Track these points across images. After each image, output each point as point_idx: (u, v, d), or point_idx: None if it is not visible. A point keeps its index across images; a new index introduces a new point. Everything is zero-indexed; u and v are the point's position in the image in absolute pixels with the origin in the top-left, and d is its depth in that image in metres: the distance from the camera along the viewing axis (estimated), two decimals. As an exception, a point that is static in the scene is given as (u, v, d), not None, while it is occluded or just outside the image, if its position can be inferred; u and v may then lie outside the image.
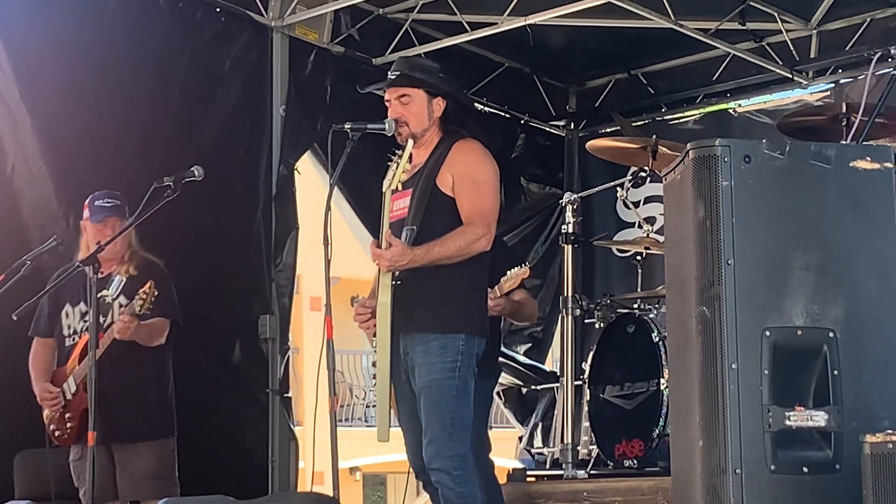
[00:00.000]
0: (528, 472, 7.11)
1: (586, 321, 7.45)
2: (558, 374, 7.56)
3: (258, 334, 8.24)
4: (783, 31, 9.10)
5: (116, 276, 6.39)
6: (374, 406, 21.62)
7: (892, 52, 5.42)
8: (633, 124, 9.12)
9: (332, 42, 8.86)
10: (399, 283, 5.31)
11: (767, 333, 4.24)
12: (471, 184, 5.41)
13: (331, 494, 5.46)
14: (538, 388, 8.94)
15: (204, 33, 8.17)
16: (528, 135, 10.25)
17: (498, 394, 8.70)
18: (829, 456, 4.22)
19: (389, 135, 5.67)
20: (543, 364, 9.83)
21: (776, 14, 9.00)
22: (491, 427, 6.66)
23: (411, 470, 5.60)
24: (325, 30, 8.79)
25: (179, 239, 7.14)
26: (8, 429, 6.92)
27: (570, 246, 6.83)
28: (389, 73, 5.60)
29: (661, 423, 6.43)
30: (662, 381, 6.47)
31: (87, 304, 6.31)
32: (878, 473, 3.97)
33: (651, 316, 6.76)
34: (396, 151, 5.40)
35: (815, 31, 9.18)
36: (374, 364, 5.46)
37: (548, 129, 10.40)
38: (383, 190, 5.41)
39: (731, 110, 9.90)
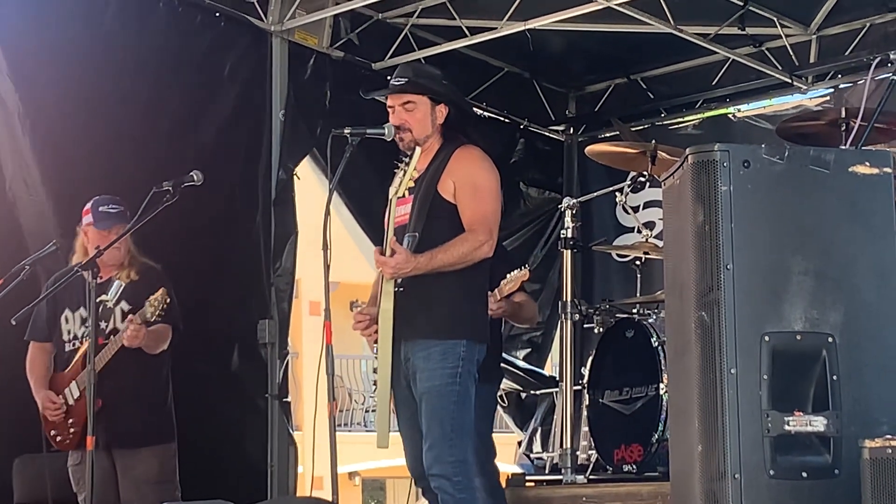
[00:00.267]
0: (528, 477, 7.10)
1: (585, 326, 7.44)
2: (557, 378, 7.55)
3: (257, 339, 8.24)
4: (783, 35, 9.10)
5: (116, 280, 6.40)
6: (373, 411, 21.60)
7: (892, 56, 5.43)
8: (633, 129, 9.10)
9: (332, 47, 8.86)
10: (401, 289, 5.32)
11: (766, 338, 4.24)
12: (472, 190, 5.43)
13: (330, 499, 5.46)
14: (537, 392, 8.95)
15: (203, 38, 8.17)
16: (528, 139, 10.25)
17: (500, 397, 8.70)
18: (828, 461, 4.22)
19: (389, 139, 5.68)
20: (542, 369, 9.84)
21: (776, 19, 9.00)
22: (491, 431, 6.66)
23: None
24: (324, 35, 8.79)
25: (178, 243, 7.14)
26: (6, 433, 6.92)
27: (569, 251, 6.82)
28: (393, 79, 5.61)
29: (661, 428, 6.42)
30: (661, 386, 6.46)
31: (88, 310, 6.31)
32: (877, 478, 3.97)
33: (650, 321, 6.75)
34: (403, 158, 5.41)
35: (814, 36, 9.18)
36: (374, 370, 5.47)
37: (547, 133, 10.40)
38: (389, 197, 5.42)
39: (730, 115, 9.89)
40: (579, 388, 7.04)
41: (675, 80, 9.90)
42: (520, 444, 9.11)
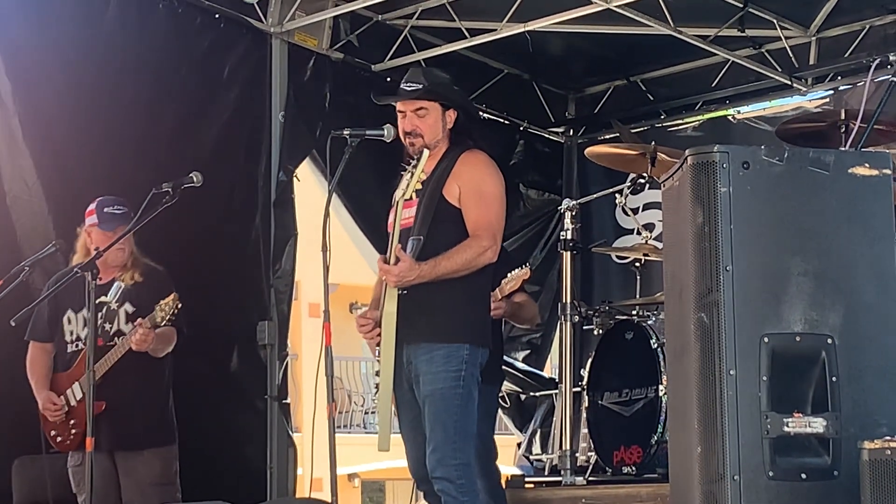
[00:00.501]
0: (527, 479, 7.10)
1: (585, 328, 7.45)
2: (557, 380, 7.56)
3: (256, 340, 8.23)
4: (782, 37, 9.10)
5: (116, 282, 6.41)
6: (373, 412, 21.62)
7: (891, 58, 5.42)
8: (632, 131, 9.11)
9: (332, 48, 8.86)
10: (405, 292, 5.33)
11: (766, 340, 4.24)
12: (477, 196, 5.44)
13: (329, 501, 5.46)
14: (537, 394, 8.94)
15: (203, 40, 8.16)
16: (527, 141, 10.25)
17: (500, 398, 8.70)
18: (827, 462, 4.22)
19: (388, 141, 5.69)
20: (542, 371, 9.84)
21: (775, 21, 9.00)
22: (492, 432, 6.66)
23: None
24: (324, 36, 8.79)
25: (178, 245, 7.14)
26: (5, 435, 6.91)
27: (568, 252, 6.82)
28: (405, 83, 5.61)
29: (660, 429, 6.42)
30: (661, 387, 6.46)
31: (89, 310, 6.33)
32: (876, 480, 3.97)
33: (650, 322, 6.76)
34: (410, 160, 5.42)
35: (814, 38, 9.18)
36: (377, 373, 5.48)
37: (547, 135, 10.40)
38: (396, 199, 5.43)
39: (729, 117, 9.90)
40: (579, 389, 7.04)
41: (675, 82, 9.90)
42: (519, 445, 9.10)
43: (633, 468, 6.55)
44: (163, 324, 6.21)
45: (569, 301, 6.81)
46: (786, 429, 4.20)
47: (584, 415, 6.98)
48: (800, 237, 4.32)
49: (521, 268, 6.30)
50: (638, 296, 7.24)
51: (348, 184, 8.36)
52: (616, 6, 8.20)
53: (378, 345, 5.43)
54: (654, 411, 6.50)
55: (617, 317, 7.09)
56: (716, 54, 9.27)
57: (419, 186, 5.36)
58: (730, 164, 4.31)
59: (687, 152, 4.42)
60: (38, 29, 7.38)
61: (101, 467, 6.27)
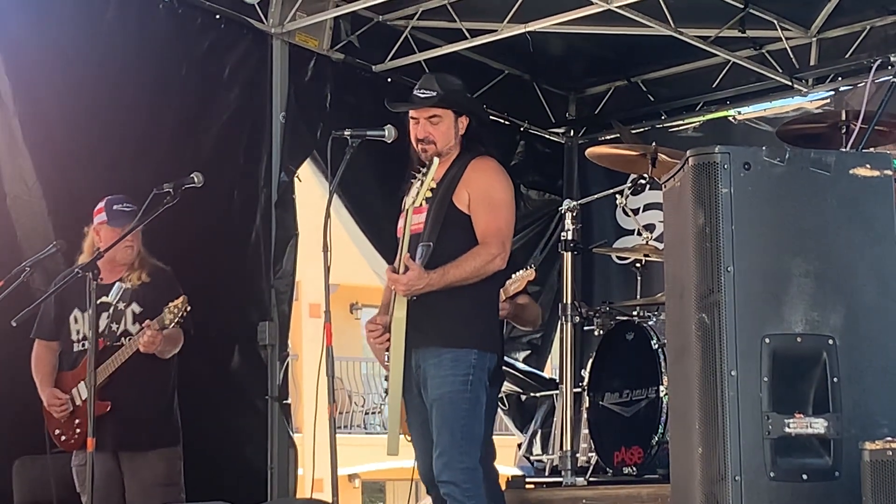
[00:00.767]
0: (527, 480, 7.10)
1: (585, 328, 7.44)
2: (557, 381, 7.55)
3: (257, 341, 8.24)
4: (783, 38, 9.10)
5: (117, 282, 6.42)
6: (373, 413, 21.63)
7: (892, 59, 5.41)
8: (633, 131, 9.11)
9: (332, 49, 8.86)
10: (414, 298, 5.34)
11: (767, 340, 4.24)
12: (486, 202, 5.46)
13: (330, 501, 5.46)
14: (537, 395, 8.93)
15: (203, 40, 8.17)
16: (528, 142, 10.25)
17: (500, 400, 8.70)
18: (828, 463, 4.22)
19: (389, 142, 5.69)
20: (542, 371, 9.83)
21: (776, 22, 9.01)
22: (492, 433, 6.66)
23: (413, 479, 5.60)
24: (324, 37, 8.79)
25: (178, 245, 7.13)
26: (6, 435, 6.91)
27: (569, 253, 6.82)
28: (418, 90, 5.60)
29: (661, 430, 6.42)
30: (662, 388, 6.45)
31: (98, 310, 6.35)
32: (877, 481, 3.97)
33: (650, 323, 6.75)
34: (420, 168, 5.43)
35: (814, 39, 9.18)
36: (386, 378, 5.49)
37: (547, 136, 10.40)
38: (406, 206, 5.44)
39: (730, 118, 9.90)
40: (579, 390, 7.04)
41: (676, 83, 9.91)
42: (519, 446, 9.09)
43: (634, 469, 6.54)
44: (171, 326, 6.22)
45: (569, 301, 6.80)
46: (787, 429, 4.20)
47: (584, 415, 6.98)
48: (801, 238, 4.31)
49: (526, 269, 6.31)
50: (638, 296, 7.24)
51: (349, 184, 8.37)
52: (617, 7, 8.20)
53: (387, 350, 5.44)
54: (655, 412, 6.50)
55: (617, 317, 7.08)
56: (716, 55, 9.28)
57: (429, 194, 5.37)
58: (731, 165, 4.30)
59: (688, 153, 4.42)
60: (38, 29, 7.38)
61: (105, 467, 6.29)
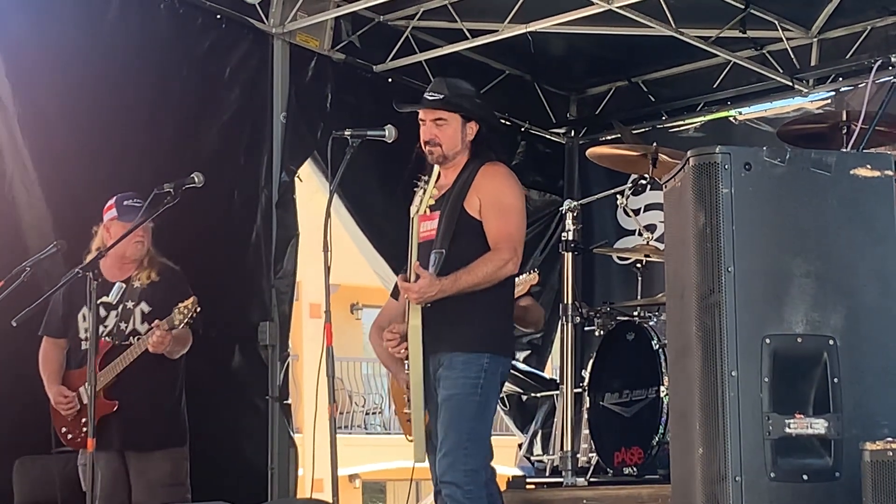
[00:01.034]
0: (528, 480, 7.10)
1: (586, 329, 7.44)
2: (558, 381, 7.55)
3: (258, 341, 8.24)
4: (784, 39, 9.10)
5: (117, 283, 6.42)
6: (373, 413, 21.63)
7: (893, 60, 5.42)
8: (634, 132, 9.11)
9: (333, 49, 8.86)
10: (429, 305, 5.37)
11: (767, 341, 4.23)
12: (497, 208, 5.47)
13: (330, 502, 5.46)
14: (538, 395, 8.94)
15: (204, 40, 8.16)
16: (529, 142, 10.25)
17: (501, 400, 8.70)
18: (829, 464, 4.21)
19: (389, 142, 5.70)
20: (543, 371, 9.83)
21: (777, 22, 9.00)
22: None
23: (413, 479, 5.62)
24: (325, 37, 8.79)
25: (179, 245, 7.13)
26: (7, 435, 6.91)
27: (570, 253, 6.83)
28: (427, 93, 5.63)
29: (661, 430, 6.42)
30: (662, 388, 6.45)
31: (106, 309, 6.36)
32: (878, 481, 3.96)
33: (651, 323, 6.75)
34: (422, 177, 5.46)
35: (815, 40, 9.18)
36: (407, 386, 5.54)
37: (548, 136, 10.40)
38: (411, 215, 5.46)
39: (731, 118, 9.89)
40: (580, 390, 7.04)
41: (677, 83, 9.90)
42: (520, 446, 9.11)
43: (635, 469, 6.54)
44: (180, 326, 6.23)
45: (570, 302, 6.81)
46: (787, 430, 4.20)
47: (585, 416, 6.98)
48: (801, 238, 4.31)
49: (529, 273, 6.32)
50: (639, 297, 7.24)
51: (349, 184, 8.35)
52: (617, 7, 8.20)
53: (406, 358, 5.47)
54: (656, 412, 6.50)
55: (618, 318, 7.09)
56: (717, 55, 9.27)
57: (432, 202, 5.38)
58: (731, 166, 4.30)
59: (689, 153, 4.42)
60: (39, 29, 7.38)
61: (111, 467, 6.31)
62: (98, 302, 6.04)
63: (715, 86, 9.66)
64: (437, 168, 5.40)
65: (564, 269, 6.86)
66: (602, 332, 7.06)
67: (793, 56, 9.17)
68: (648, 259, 7.22)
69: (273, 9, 8.47)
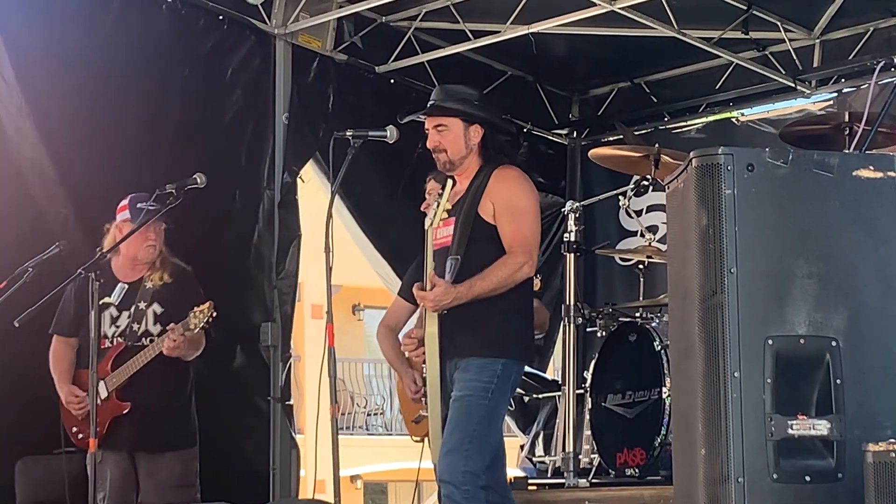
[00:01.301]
0: (530, 481, 7.11)
1: (588, 330, 7.44)
2: (560, 382, 7.55)
3: (259, 342, 8.24)
4: (786, 40, 9.10)
5: (119, 283, 6.42)
6: (375, 414, 21.63)
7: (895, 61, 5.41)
8: (636, 133, 9.10)
9: (335, 50, 8.86)
10: (445, 311, 5.38)
11: (770, 342, 4.23)
12: (511, 211, 5.47)
13: (332, 502, 5.46)
14: (540, 396, 8.93)
15: (207, 41, 8.17)
16: (531, 143, 10.25)
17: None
18: (831, 465, 4.21)
19: (391, 142, 5.70)
20: (545, 372, 9.83)
21: (779, 23, 9.00)
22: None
23: (418, 480, 5.63)
24: (328, 38, 8.79)
25: (180, 246, 7.14)
26: (9, 435, 6.91)
27: (572, 254, 6.82)
28: (428, 102, 5.65)
29: (663, 431, 6.42)
30: (664, 389, 6.45)
31: (118, 310, 6.36)
32: (880, 482, 3.96)
33: (653, 324, 6.75)
34: (439, 191, 5.47)
35: (818, 41, 9.17)
36: (424, 394, 5.57)
37: (550, 137, 10.40)
38: (425, 228, 5.47)
39: (733, 119, 9.90)
40: (582, 391, 7.04)
41: (679, 84, 9.90)
42: (522, 447, 9.10)
43: (637, 470, 6.54)
44: (196, 330, 6.24)
45: (572, 303, 6.81)
46: (790, 431, 4.20)
47: (587, 417, 6.98)
48: (804, 239, 4.31)
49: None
50: (641, 298, 7.24)
51: (351, 185, 8.36)
52: (620, 8, 8.20)
53: (424, 363, 5.50)
54: (658, 413, 6.50)
55: (620, 319, 7.09)
56: (719, 56, 9.27)
57: (445, 215, 5.40)
58: (734, 167, 4.30)
59: (691, 154, 4.42)
60: (41, 30, 7.38)
61: (120, 467, 6.33)
62: (100, 302, 6.04)
63: (717, 87, 9.66)
64: (449, 182, 5.41)
65: (566, 271, 6.86)
66: (604, 334, 7.06)
67: (795, 57, 9.17)
68: (650, 260, 7.22)
69: (275, 9, 8.48)
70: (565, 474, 6.69)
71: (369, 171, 8.56)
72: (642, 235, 7.43)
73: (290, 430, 8.32)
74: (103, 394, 6.35)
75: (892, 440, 4.01)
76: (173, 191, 6.21)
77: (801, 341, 4.25)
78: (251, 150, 8.36)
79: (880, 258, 4.33)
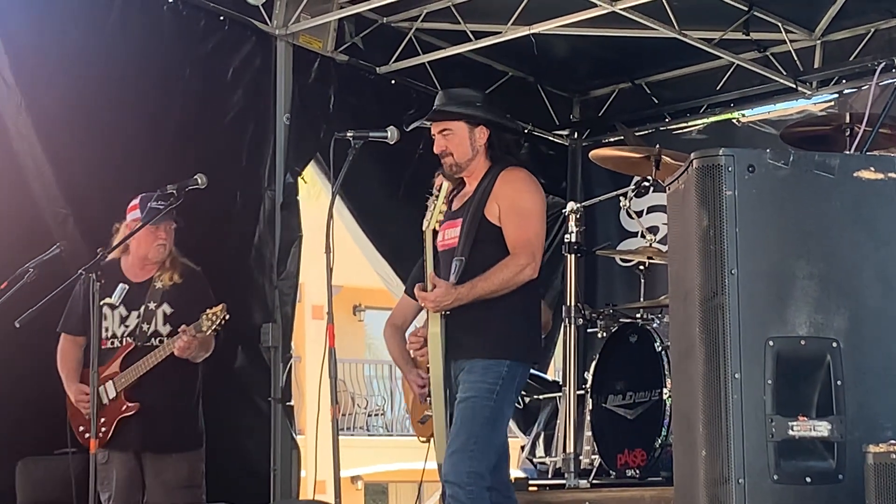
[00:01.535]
0: (531, 482, 7.10)
1: (589, 330, 7.43)
2: (560, 383, 7.55)
3: (260, 342, 8.24)
4: (787, 41, 9.09)
5: (119, 284, 6.42)
6: (376, 415, 21.63)
7: (896, 62, 5.42)
8: (637, 134, 9.10)
9: (336, 51, 8.85)
10: (448, 312, 5.39)
11: (771, 343, 4.23)
12: (515, 213, 5.48)
13: (332, 503, 5.46)
14: (540, 397, 8.93)
15: (207, 42, 8.17)
16: (532, 144, 10.24)
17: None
18: (832, 466, 4.21)
19: (392, 143, 5.71)
20: (545, 373, 9.82)
21: (780, 24, 8.99)
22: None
23: (422, 481, 5.65)
24: (329, 38, 8.79)
25: (181, 246, 7.14)
26: (9, 436, 6.91)
27: (572, 255, 6.82)
28: (433, 108, 5.68)
29: (664, 432, 6.42)
30: (665, 390, 6.45)
31: (128, 309, 6.36)
32: (880, 483, 3.96)
33: (654, 325, 6.75)
34: (433, 192, 5.48)
35: (819, 42, 9.17)
36: (429, 394, 5.57)
37: (551, 138, 10.39)
38: (423, 230, 5.46)
39: (734, 120, 9.89)
40: (582, 392, 7.04)
41: (680, 85, 9.90)
42: (522, 448, 9.10)
43: (637, 471, 6.54)
44: (208, 332, 6.24)
45: (573, 304, 6.80)
46: (790, 432, 4.20)
47: (587, 418, 6.98)
48: (805, 240, 4.31)
49: None
50: (642, 299, 7.23)
51: (352, 186, 8.35)
52: (621, 9, 8.20)
53: (428, 363, 5.51)
54: (659, 414, 6.50)
55: (621, 319, 7.08)
56: (720, 57, 9.27)
57: (441, 217, 5.40)
58: (735, 168, 4.30)
59: (692, 155, 4.42)
60: (42, 31, 7.39)
61: (127, 467, 6.33)
62: (101, 303, 6.04)
63: (718, 88, 9.65)
64: (445, 184, 5.41)
65: (567, 271, 6.86)
66: (605, 334, 7.06)
67: (796, 58, 9.16)
68: (651, 261, 7.22)
69: (276, 10, 8.48)
70: (566, 475, 6.68)
71: (370, 172, 8.56)
72: (643, 236, 7.42)
73: (291, 430, 8.32)
74: (112, 393, 6.36)
75: (893, 441, 4.01)
76: (174, 191, 6.22)
77: (802, 342, 4.25)
78: (252, 150, 8.36)
79: (881, 259, 4.33)
